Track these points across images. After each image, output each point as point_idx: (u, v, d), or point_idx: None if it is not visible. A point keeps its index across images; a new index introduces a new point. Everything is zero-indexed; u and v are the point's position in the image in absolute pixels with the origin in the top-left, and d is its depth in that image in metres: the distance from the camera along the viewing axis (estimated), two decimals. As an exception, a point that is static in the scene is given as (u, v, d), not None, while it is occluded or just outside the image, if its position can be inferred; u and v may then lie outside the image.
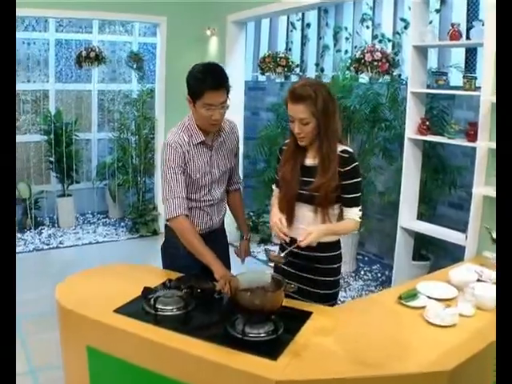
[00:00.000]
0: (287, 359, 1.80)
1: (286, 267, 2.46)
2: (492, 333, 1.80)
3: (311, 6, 5.25)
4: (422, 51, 3.75)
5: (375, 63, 4.44)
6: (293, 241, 2.29)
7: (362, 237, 5.50)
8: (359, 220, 2.35)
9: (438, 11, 4.95)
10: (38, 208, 6.59)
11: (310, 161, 2.36)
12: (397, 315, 2.20)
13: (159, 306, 2.13)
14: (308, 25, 6.76)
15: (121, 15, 5.93)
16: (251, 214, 6.21)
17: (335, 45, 6.33)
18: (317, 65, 6.63)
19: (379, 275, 5.19)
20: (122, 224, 6.83)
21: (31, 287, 4.36)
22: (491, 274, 2.53)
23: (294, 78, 6.42)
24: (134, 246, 6.04)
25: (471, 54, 4.65)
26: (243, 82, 6.02)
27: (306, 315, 2.11)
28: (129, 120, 6.88)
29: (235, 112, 5.84)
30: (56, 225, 6.60)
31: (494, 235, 2.75)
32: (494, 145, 2.99)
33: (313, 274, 2.39)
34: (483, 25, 3.21)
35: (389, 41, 5.55)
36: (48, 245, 5.97)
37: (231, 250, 2.80)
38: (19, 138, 6.69)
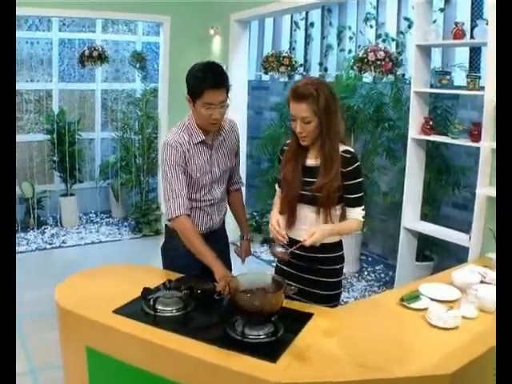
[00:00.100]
0: (287, 361, 1.78)
1: (287, 268, 2.45)
2: (495, 336, 1.78)
3: (314, 5, 5.23)
4: (425, 50, 3.72)
5: (378, 62, 4.41)
6: (292, 242, 2.28)
7: (365, 237, 5.47)
8: (362, 220, 2.35)
9: (442, 10, 4.92)
10: (41, 207, 6.59)
11: (311, 161, 2.34)
12: (399, 317, 2.17)
13: (158, 307, 2.12)
14: (312, 24, 6.73)
15: (124, 14, 5.93)
16: (254, 213, 6.20)
17: (339, 44, 6.30)
18: (320, 64, 6.60)
19: (382, 276, 5.16)
20: (125, 224, 6.83)
21: (33, 287, 4.36)
22: (495, 276, 2.50)
23: (297, 78, 6.40)
24: (136, 246, 6.04)
25: (475, 53, 4.61)
26: (246, 82, 6.01)
27: (307, 317, 2.09)
28: (132, 119, 6.87)
29: (238, 111, 5.84)
30: (59, 224, 6.60)
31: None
32: (497, 145, 2.96)
33: (315, 275, 2.38)
34: (487, 24, 3.18)
35: (392, 40, 5.52)
36: (51, 244, 5.98)
37: (232, 249, 2.78)
38: (22, 138, 6.71)
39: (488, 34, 3.08)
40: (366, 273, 5.25)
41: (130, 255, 5.60)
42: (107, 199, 7.26)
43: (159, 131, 6.47)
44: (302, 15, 6.81)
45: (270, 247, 2.28)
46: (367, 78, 5.03)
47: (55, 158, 6.66)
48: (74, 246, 6.00)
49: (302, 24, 6.89)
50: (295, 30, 6.98)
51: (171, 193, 2.38)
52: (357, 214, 2.32)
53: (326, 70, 6.49)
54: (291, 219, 2.37)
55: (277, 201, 2.49)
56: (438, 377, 1.74)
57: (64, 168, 6.62)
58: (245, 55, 5.92)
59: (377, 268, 5.37)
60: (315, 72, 6.62)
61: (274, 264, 2.60)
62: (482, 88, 3.24)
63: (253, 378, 1.71)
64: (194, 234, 2.38)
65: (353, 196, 2.30)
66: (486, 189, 3.15)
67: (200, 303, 2.18)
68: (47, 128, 6.62)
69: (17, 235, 6.10)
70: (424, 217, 4.21)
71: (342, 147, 2.29)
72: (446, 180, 4.52)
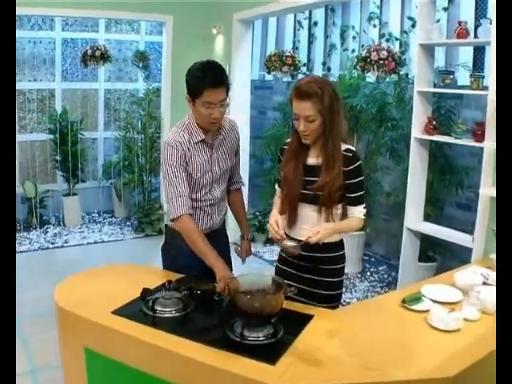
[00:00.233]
0: (286, 364, 1.76)
1: (287, 268, 2.45)
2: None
3: (318, 4, 5.21)
4: (428, 50, 3.70)
5: (381, 62, 4.38)
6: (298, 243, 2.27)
7: (368, 237, 5.45)
8: (363, 218, 2.34)
9: (445, 9, 4.88)
10: (44, 207, 6.59)
11: (312, 160, 2.33)
12: (400, 319, 2.15)
13: (157, 308, 2.10)
14: (315, 23, 6.71)
15: (127, 14, 5.92)
16: (257, 213, 6.18)
17: (342, 44, 6.27)
18: (324, 64, 6.58)
19: (385, 276, 5.13)
20: (128, 223, 6.82)
21: (35, 286, 4.35)
22: (496, 277, 2.48)
23: (300, 77, 6.37)
24: (139, 246, 6.04)
25: (479, 52, 4.58)
26: (249, 81, 5.99)
27: (307, 318, 2.07)
28: (135, 119, 6.87)
29: (241, 111, 5.84)
30: (61, 224, 6.60)
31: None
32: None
33: (316, 275, 2.37)
34: (491, 23, 3.15)
35: (396, 39, 5.49)
36: (53, 244, 5.98)
37: (232, 249, 2.77)
38: (25, 137, 6.72)
39: (492, 34, 3.05)
40: (368, 273, 5.22)
41: (133, 255, 5.59)
42: (110, 199, 7.26)
43: (162, 131, 6.46)
44: (305, 15, 6.79)
45: (281, 242, 2.25)
46: (370, 77, 5.01)
47: (58, 158, 6.65)
48: (76, 245, 5.99)
49: (305, 23, 6.86)
50: (298, 30, 6.95)
51: (173, 192, 2.37)
52: (358, 212, 2.32)
53: (329, 69, 6.46)
54: (292, 219, 2.36)
55: (277, 200, 2.47)
56: (439, 380, 1.72)
57: (67, 167, 6.62)
58: (248, 55, 5.91)
59: (380, 268, 5.34)
60: (318, 71, 6.60)
61: (276, 264, 2.58)
62: (486, 88, 3.21)
63: (251, 380, 1.69)
64: (197, 233, 2.36)
65: (354, 195, 2.29)
66: (489, 189, 3.12)
67: (199, 304, 2.16)
68: (50, 127, 6.62)
69: (19, 234, 6.11)
70: (427, 217, 4.19)
71: (344, 146, 2.28)
72: (450, 180, 4.49)
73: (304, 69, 6.45)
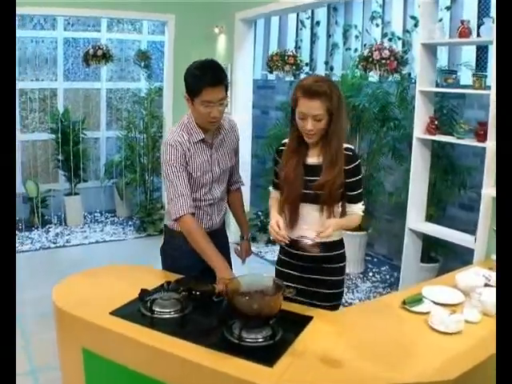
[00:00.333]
0: (284, 366, 1.74)
1: (286, 270, 2.44)
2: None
3: (320, 3, 5.19)
4: (430, 49, 3.67)
5: (383, 61, 4.36)
6: (293, 242, 2.26)
7: (370, 238, 5.43)
8: (362, 214, 2.38)
9: (448, 8, 4.86)
10: (46, 206, 6.59)
11: (312, 159, 2.32)
12: (401, 321, 2.13)
13: (156, 309, 2.09)
14: (317, 23, 6.68)
15: (128, 13, 5.92)
16: (259, 213, 6.17)
17: (345, 43, 6.25)
18: (326, 63, 6.56)
19: (388, 277, 5.11)
20: (130, 223, 6.81)
21: (36, 286, 4.34)
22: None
23: (303, 77, 6.35)
24: (141, 245, 6.03)
25: (482, 52, 4.55)
26: (251, 81, 5.98)
27: (306, 320, 2.06)
28: (137, 118, 6.86)
29: (244, 111, 5.83)
30: (63, 223, 6.59)
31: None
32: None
33: (317, 274, 2.37)
34: (494, 22, 3.12)
35: (399, 39, 5.46)
36: (55, 243, 5.97)
37: (232, 250, 2.75)
38: (27, 137, 6.73)
39: (494, 33, 3.03)
40: (370, 274, 5.20)
41: (134, 254, 5.58)
42: (112, 198, 7.25)
43: (164, 130, 6.45)
44: (307, 14, 6.77)
45: (299, 241, 2.24)
46: (373, 77, 4.99)
47: (60, 157, 6.65)
48: (78, 245, 5.99)
49: (307, 23, 6.84)
50: (301, 29, 6.93)
51: (174, 192, 2.36)
52: (358, 209, 2.36)
53: (331, 68, 6.44)
54: (293, 219, 2.35)
55: (273, 202, 2.46)
56: (439, 383, 1.70)
57: (68, 167, 6.62)
58: (250, 54, 5.89)
59: (382, 269, 5.32)
60: (321, 71, 6.58)
61: (275, 267, 2.57)
62: (489, 87, 3.19)
63: (248, 382, 1.67)
64: (199, 233, 2.35)
65: (354, 193, 2.33)
66: (491, 189, 3.09)
67: (198, 305, 2.15)
68: (52, 127, 6.62)
69: (21, 234, 6.11)
70: (429, 218, 4.17)
71: (344, 145, 2.29)
72: (452, 180, 4.46)
73: (306, 68, 6.43)
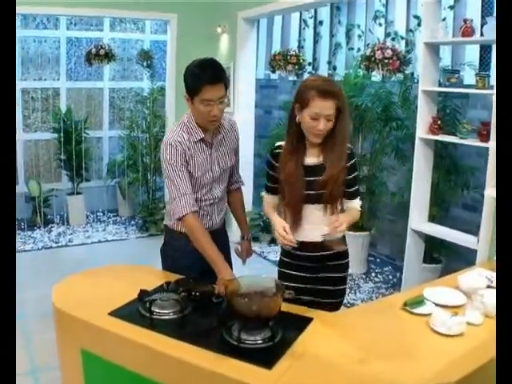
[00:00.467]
0: (283, 368, 1.72)
1: (291, 271, 2.43)
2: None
3: (323, 2, 5.18)
4: (433, 48, 3.65)
5: (386, 61, 4.33)
6: (303, 244, 2.28)
7: (373, 238, 5.40)
8: (360, 209, 2.43)
9: (451, 8, 4.83)
10: (48, 206, 6.59)
11: (312, 160, 2.31)
12: (402, 322, 2.11)
13: (155, 310, 2.07)
14: (320, 22, 6.66)
15: (131, 13, 5.92)
16: (262, 213, 6.14)
17: (348, 42, 6.23)
18: (329, 63, 6.54)
19: (390, 277, 5.08)
20: (132, 222, 6.81)
21: (38, 285, 4.33)
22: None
23: (306, 76, 6.33)
24: (143, 245, 6.02)
25: (486, 51, 4.51)
26: (254, 80, 5.97)
27: (306, 321, 2.04)
28: (139, 118, 6.85)
29: (246, 110, 5.82)
30: (66, 223, 6.60)
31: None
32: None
33: (323, 272, 2.38)
34: (497, 21, 3.10)
35: (402, 38, 5.44)
36: (57, 243, 5.98)
37: (233, 250, 2.74)
38: (30, 136, 6.74)
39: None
40: (373, 274, 5.17)
41: (137, 254, 5.58)
42: (114, 198, 7.25)
43: (166, 130, 6.44)
44: (310, 13, 6.75)
45: (324, 237, 2.25)
46: (376, 76, 4.97)
47: (62, 157, 6.66)
48: (80, 244, 5.99)
49: (310, 22, 6.82)
50: (304, 29, 6.91)
51: (176, 192, 2.35)
52: (356, 204, 2.40)
53: (334, 68, 6.42)
54: (297, 221, 2.33)
55: (270, 208, 2.45)
56: (440, 386, 1.68)
57: (71, 166, 6.62)
58: (253, 54, 5.88)
59: (385, 269, 5.30)
60: (324, 70, 6.56)
61: (277, 269, 2.56)
62: (492, 87, 3.16)
63: (247, 384, 1.66)
64: (201, 232, 2.35)
65: (352, 189, 2.37)
66: (494, 190, 3.07)
67: (198, 306, 2.14)
68: (54, 126, 6.63)
69: (23, 234, 6.12)
70: (432, 218, 4.14)
71: None
72: (455, 181, 4.44)
73: (309, 68, 6.41)
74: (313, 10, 6.62)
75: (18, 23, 6.42)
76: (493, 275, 2.50)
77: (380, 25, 5.75)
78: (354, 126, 4.97)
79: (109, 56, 6.37)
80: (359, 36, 6.08)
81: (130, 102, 7.25)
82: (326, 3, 5.63)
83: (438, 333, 1.97)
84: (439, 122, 3.70)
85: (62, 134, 6.52)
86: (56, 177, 7.00)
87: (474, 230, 3.65)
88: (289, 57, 5.75)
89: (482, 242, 3.17)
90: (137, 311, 2.09)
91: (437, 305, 2.20)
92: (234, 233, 3.22)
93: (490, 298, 2.15)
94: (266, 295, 1.97)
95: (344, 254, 2.43)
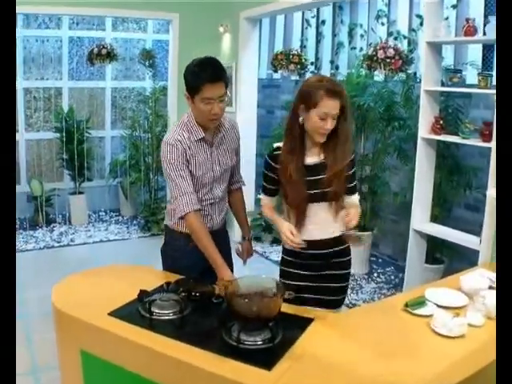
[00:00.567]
0: (283, 369, 1.71)
1: (294, 270, 2.43)
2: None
3: (325, 2, 5.17)
4: (435, 48, 3.64)
5: (388, 60, 4.32)
6: (309, 243, 2.27)
7: (375, 238, 5.39)
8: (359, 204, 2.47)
9: (454, 7, 4.81)
10: (50, 205, 6.60)
11: (313, 159, 2.32)
12: (402, 324, 2.10)
13: (154, 310, 2.07)
14: (323, 22, 6.65)
15: (133, 12, 5.91)
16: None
17: (350, 42, 6.21)
18: (331, 62, 6.53)
19: (392, 278, 5.06)
20: (134, 222, 6.81)
21: (40, 285, 4.33)
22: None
23: (308, 76, 6.32)
24: (145, 245, 6.01)
25: (488, 50, 4.49)
26: (256, 80, 5.96)
27: (307, 322, 2.03)
28: (141, 117, 6.85)
29: (249, 110, 5.81)
30: (68, 222, 6.60)
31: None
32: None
33: (327, 270, 2.38)
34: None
35: (404, 38, 5.42)
36: (59, 242, 5.97)
37: (233, 250, 2.73)
38: (32, 136, 6.74)
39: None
40: (375, 274, 5.16)
41: (138, 254, 5.58)
42: (116, 197, 7.26)
43: (168, 129, 6.43)
44: (313, 13, 6.73)
45: (344, 234, 2.29)
46: (378, 76, 4.95)
47: (64, 156, 6.66)
48: (82, 244, 5.99)
49: (313, 22, 6.81)
50: (306, 28, 6.90)
51: (178, 191, 2.34)
52: (355, 199, 2.44)
53: (337, 68, 6.41)
54: (301, 221, 2.33)
55: (270, 211, 2.45)
56: (440, 388, 1.67)
57: (73, 166, 6.63)
58: (255, 53, 5.87)
59: (387, 270, 5.28)
60: (326, 70, 6.55)
61: (280, 268, 2.55)
62: (494, 87, 3.14)
63: (246, 386, 1.65)
64: (203, 232, 2.34)
65: (352, 184, 2.40)
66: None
67: (197, 306, 2.13)
68: (56, 126, 6.63)
69: (25, 233, 6.12)
70: (434, 218, 4.12)
71: None
72: (458, 181, 4.41)
73: (312, 67, 6.39)
74: (315, 10, 6.61)
75: (20, 23, 6.43)
76: (494, 276, 2.49)
77: (382, 24, 5.73)
78: (356, 126, 4.96)
79: (111, 56, 6.36)
80: (361, 35, 6.07)
81: (132, 101, 7.25)
82: (329, 2, 5.61)
83: (439, 334, 1.96)
84: (441, 122, 3.68)
85: (64, 134, 6.52)
86: (58, 176, 7.00)
87: (476, 230, 3.63)
88: (291, 56, 5.74)
89: (485, 242, 3.16)
90: (136, 311, 2.09)
91: (438, 306, 2.18)
92: (236, 233, 3.22)
93: (491, 299, 2.14)
94: (265, 296, 1.97)
95: (346, 252, 2.44)
